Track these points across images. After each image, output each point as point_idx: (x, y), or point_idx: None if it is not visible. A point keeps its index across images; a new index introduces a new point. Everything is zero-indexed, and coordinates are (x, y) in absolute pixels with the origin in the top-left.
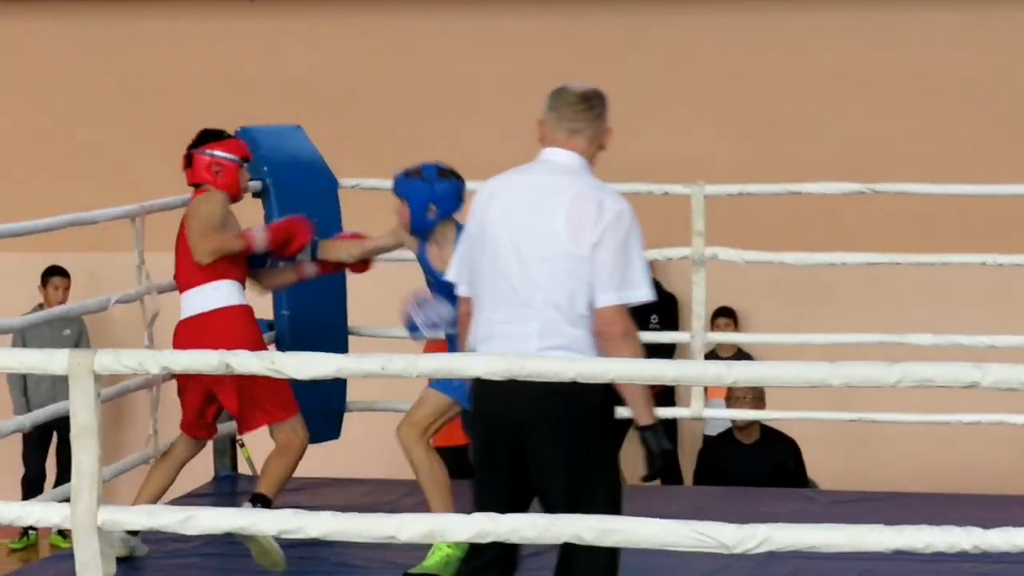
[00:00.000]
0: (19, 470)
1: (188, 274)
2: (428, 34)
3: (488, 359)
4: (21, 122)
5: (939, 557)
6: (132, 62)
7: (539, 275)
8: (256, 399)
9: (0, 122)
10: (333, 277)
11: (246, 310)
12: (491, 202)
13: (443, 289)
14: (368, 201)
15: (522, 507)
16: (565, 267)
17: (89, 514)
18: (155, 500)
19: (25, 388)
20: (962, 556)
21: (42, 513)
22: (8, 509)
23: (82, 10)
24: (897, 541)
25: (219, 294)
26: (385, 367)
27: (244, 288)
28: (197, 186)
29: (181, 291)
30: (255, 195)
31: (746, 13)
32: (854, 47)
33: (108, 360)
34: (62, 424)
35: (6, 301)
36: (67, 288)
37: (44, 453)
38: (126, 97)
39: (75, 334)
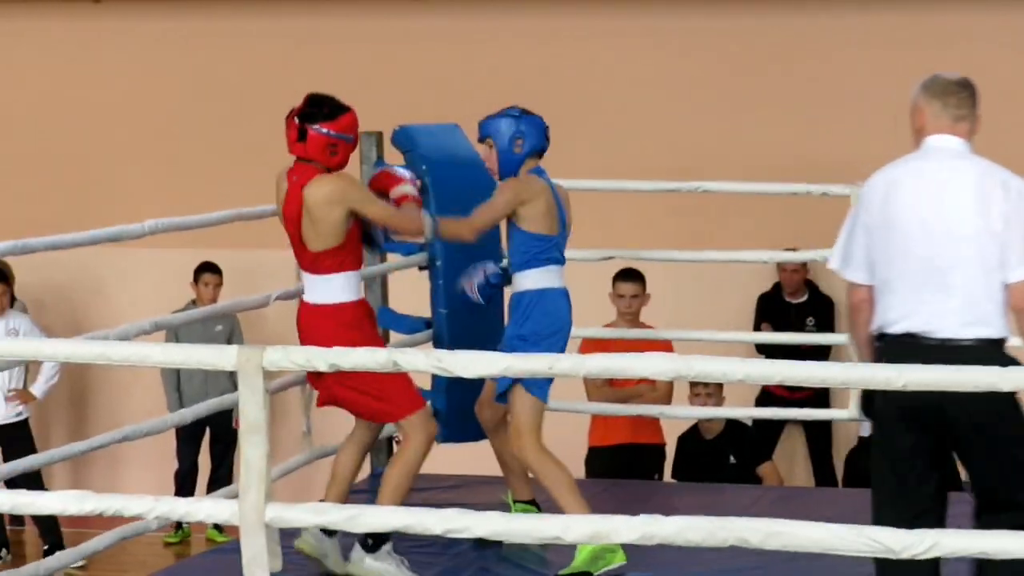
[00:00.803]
0: (171, 464)
1: (320, 257)
2: (580, 33)
3: (655, 360)
4: (178, 118)
5: None
6: (289, 61)
7: (955, 255)
8: (380, 395)
9: (157, 119)
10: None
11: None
12: (892, 192)
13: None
14: None
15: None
16: (979, 246)
17: (257, 510)
18: (346, 489)
19: (178, 383)
20: None
21: (211, 509)
22: (178, 505)
23: (249, 8)
24: None
25: (350, 285)
26: (552, 367)
27: None
28: (299, 160)
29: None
30: None
31: (920, 13)
32: None
33: (277, 356)
34: (215, 419)
35: (158, 297)
36: (218, 285)
37: (197, 447)
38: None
39: (227, 330)
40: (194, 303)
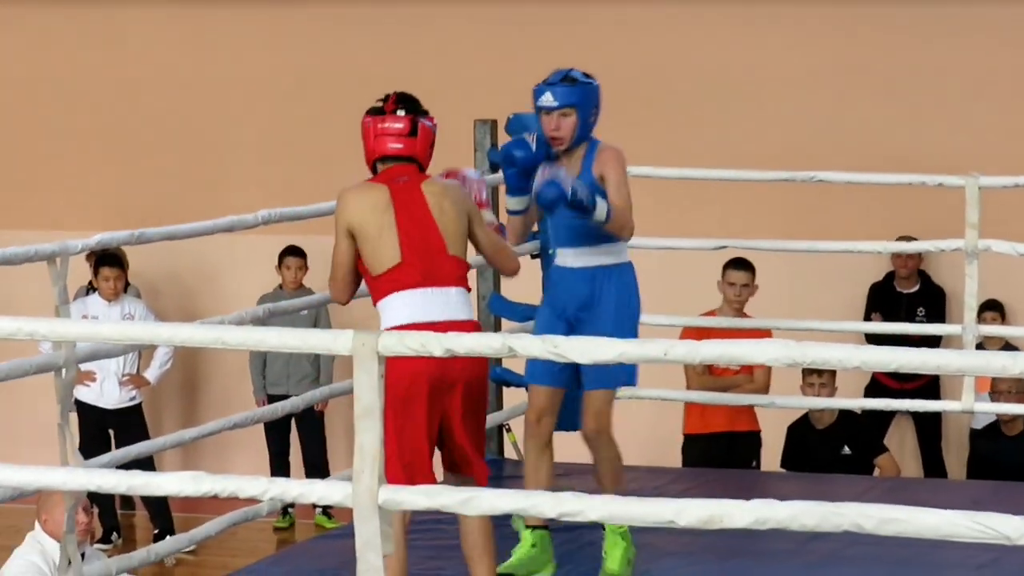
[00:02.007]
0: (259, 446)
1: (460, 268)
2: (695, 20)
3: (770, 346)
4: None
5: None
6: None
7: None
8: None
9: (268, 110)
10: None
11: None
12: None
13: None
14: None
15: None
16: None
17: (371, 493)
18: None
19: (263, 368)
20: None
21: (324, 491)
22: (291, 487)
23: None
24: None
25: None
26: (668, 352)
27: None
28: (399, 160)
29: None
30: None
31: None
32: None
33: (392, 342)
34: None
35: (245, 282)
36: (301, 268)
37: (287, 431)
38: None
39: (312, 314)
40: (280, 287)
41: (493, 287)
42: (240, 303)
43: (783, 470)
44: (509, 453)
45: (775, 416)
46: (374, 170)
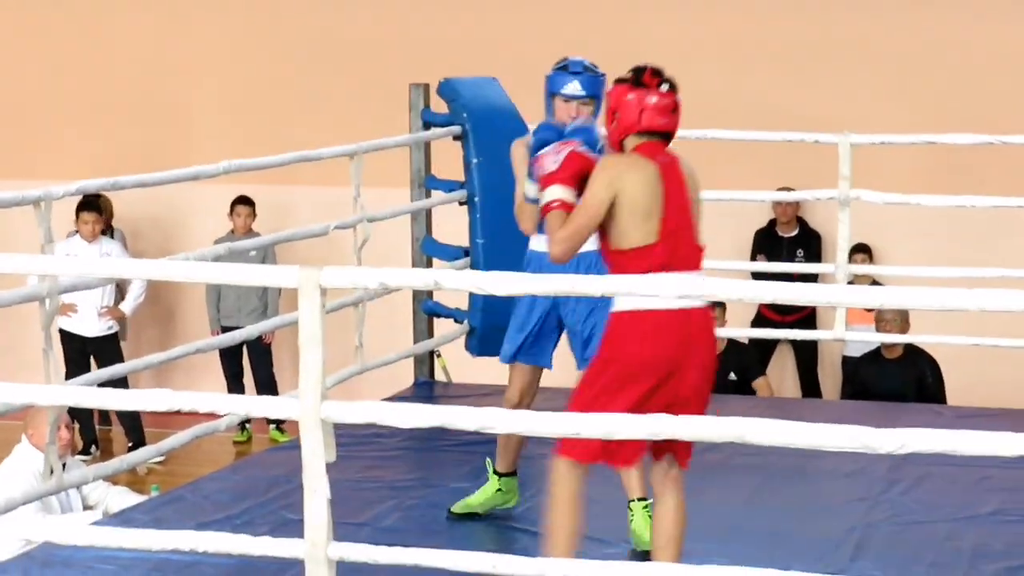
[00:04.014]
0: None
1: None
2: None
3: (672, 282)
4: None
5: None
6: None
7: None
8: None
9: (220, 74)
10: None
11: None
12: None
13: None
14: None
15: None
16: None
17: (314, 408)
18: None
19: (217, 301)
20: None
21: (274, 407)
22: (244, 402)
23: None
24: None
25: None
26: (574, 286)
27: None
28: (658, 134)
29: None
30: (455, 138)
31: None
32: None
33: (333, 276)
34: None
35: (211, 225)
36: (250, 215)
37: (239, 358)
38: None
39: (260, 255)
40: (232, 232)
41: (426, 231)
42: (206, 244)
43: None
44: (439, 376)
45: None
46: (620, 143)
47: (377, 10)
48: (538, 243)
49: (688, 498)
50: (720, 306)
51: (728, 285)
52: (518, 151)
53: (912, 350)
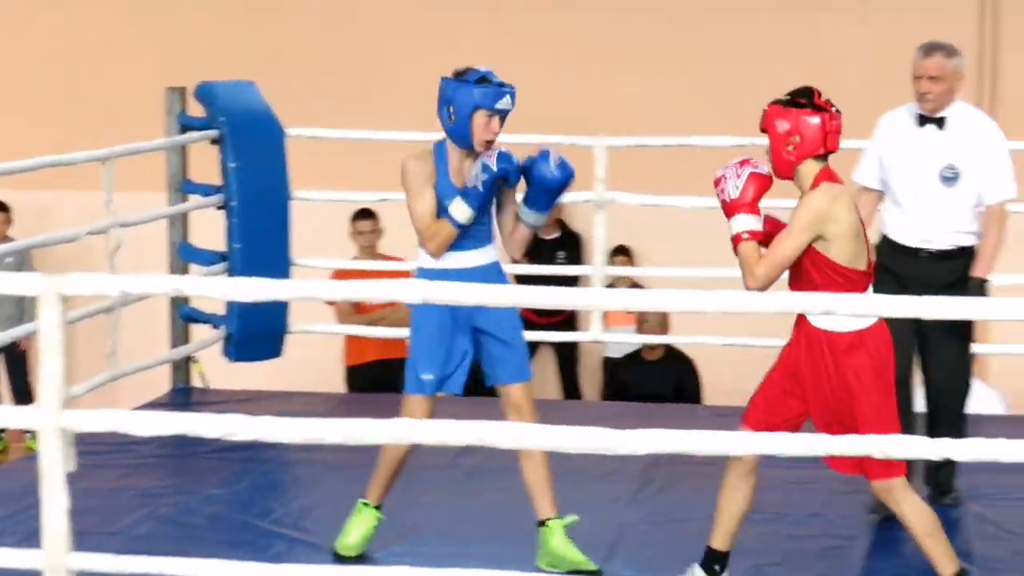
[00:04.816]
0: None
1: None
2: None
3: (402, 285)
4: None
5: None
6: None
7: None
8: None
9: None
10: (277, 214)
11: None
12: None
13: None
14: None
15: None
16: None
17: (54, 417)
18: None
19: None
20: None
21: (13, 415)
22: None
23: None
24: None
25: None
26: (316, 292)
27: None
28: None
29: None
30: (213, 142)
31: None
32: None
33: (75, 284)
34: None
35: None
36: (6, 222)
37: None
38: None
39: (17, 261)
40: None
41: (182, 236)
42: None
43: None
44: (196, 382)
45: None
46: (794, 167)
47: (134, 13)
48: (428, 261)
49: (453, 499)
50: None
51: (470, 290)
52: (412, 165)
53: (671, 351)
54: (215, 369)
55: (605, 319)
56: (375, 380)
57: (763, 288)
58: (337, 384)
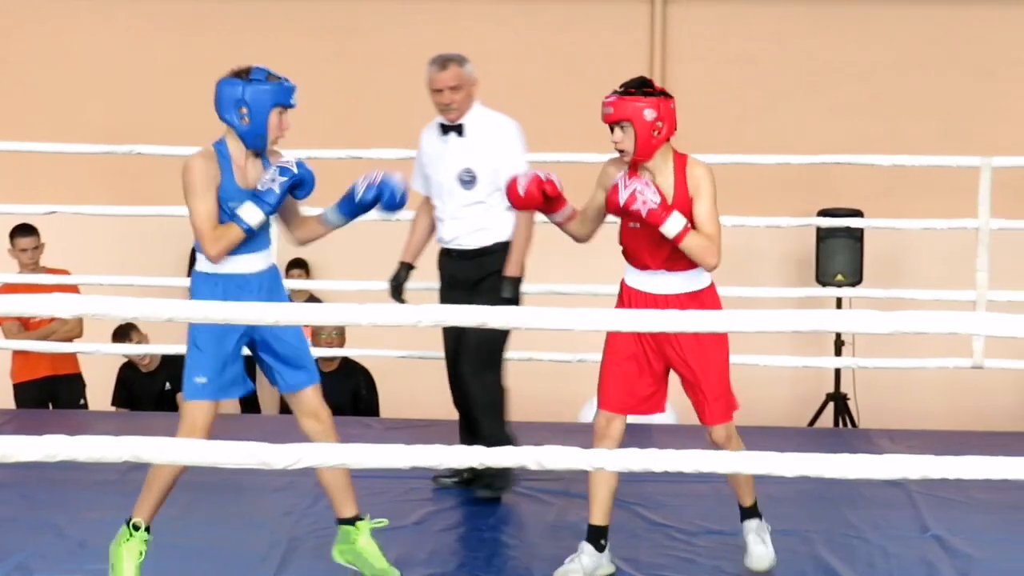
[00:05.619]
0: None
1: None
2: None
3: (67, 300)
4: None
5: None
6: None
7: None
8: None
9: None
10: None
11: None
12: None
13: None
14: None
15: None
16: None
17: None
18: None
19: None
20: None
21: None
22: None
23: None
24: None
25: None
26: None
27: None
28: None
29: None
30: None
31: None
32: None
33: None
34: None
35: None
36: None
37: None
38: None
39: None
40: None
41: None
42: None
43: (114, 408)
44: None
45: (98, 360)
46: (655, 150)
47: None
48: (206, 265)
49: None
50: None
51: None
52: (198, 164)
53: (347, 363)
54: None
55: None
56: (46, 396)
57: (718, 264)
58: (7, 401)
